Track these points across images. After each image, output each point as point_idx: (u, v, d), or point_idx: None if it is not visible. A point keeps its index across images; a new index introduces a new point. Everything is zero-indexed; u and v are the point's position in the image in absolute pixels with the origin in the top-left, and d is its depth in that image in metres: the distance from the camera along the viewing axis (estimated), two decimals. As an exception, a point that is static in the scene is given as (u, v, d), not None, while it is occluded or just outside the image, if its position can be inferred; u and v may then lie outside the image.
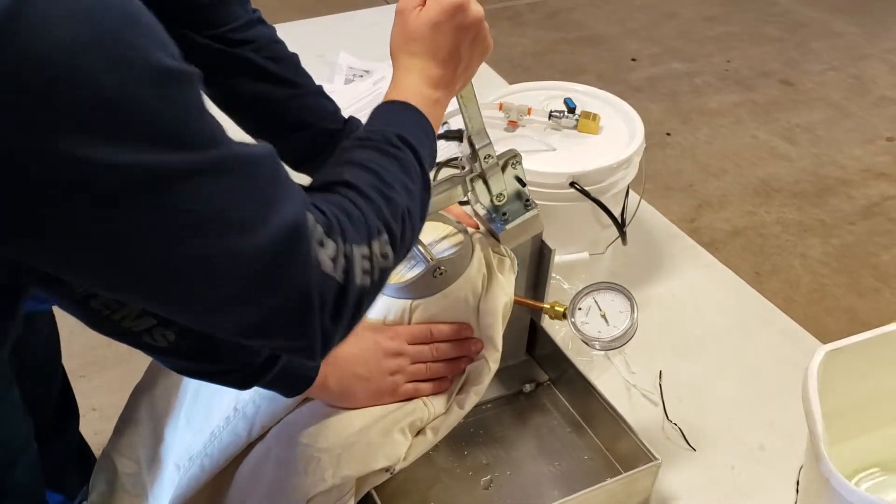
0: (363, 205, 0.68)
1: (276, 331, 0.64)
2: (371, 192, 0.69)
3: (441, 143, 1.52)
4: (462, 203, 0.99)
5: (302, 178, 0.87)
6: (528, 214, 0.99)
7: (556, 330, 1.15)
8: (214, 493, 0.94)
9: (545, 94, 1.33)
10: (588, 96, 1.33)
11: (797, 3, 4.36)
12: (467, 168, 0.96)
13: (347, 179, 0.70)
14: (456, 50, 0.80)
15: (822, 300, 2.54)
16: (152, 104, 0.51)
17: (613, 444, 1.02)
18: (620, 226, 1.21)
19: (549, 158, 1.20)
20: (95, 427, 1.62)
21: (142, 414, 1.03)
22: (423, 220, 0.77)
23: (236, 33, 1.05)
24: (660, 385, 1.13)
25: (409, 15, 0.81)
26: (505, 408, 1.10)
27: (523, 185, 0.98)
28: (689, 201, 2.94)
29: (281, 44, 1.11)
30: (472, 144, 0.92)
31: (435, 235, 0.99)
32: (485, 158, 0.93)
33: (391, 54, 0.83)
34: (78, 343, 1.95)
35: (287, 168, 0.64)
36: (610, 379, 1.15)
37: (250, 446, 0.92)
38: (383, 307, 0.95)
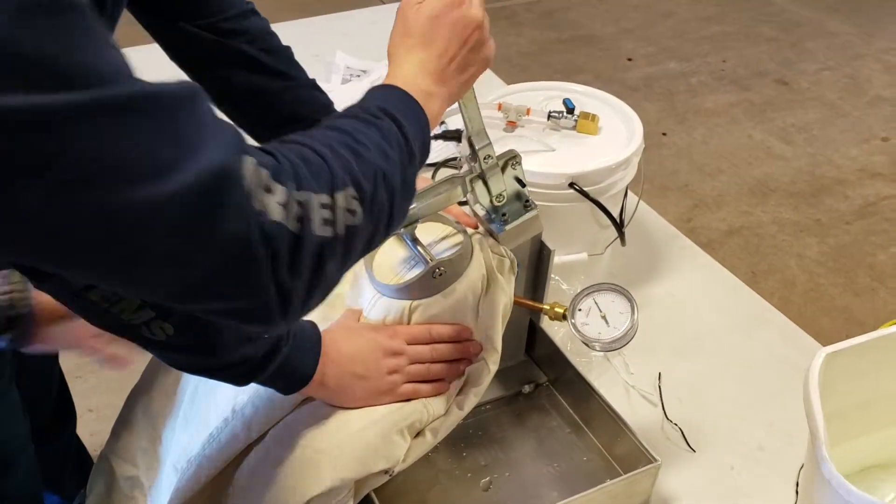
0: (328, 154, 0.64)
1: (221, 290, 0.59)
2: (338, 147, 0.66)
3: (439, 144, 1.52)
4: (461, 203, 0.99)
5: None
6: (527, 215, 0.99)
7: (555, 331, 1.15)
8: (213, 494, 0.93)
9: (544, 95, 1.32)
10: (587, 97, 1.33)
11: (792, 2, 4.37)
12: (466, 168, 0.95)
13: (313, 133, 0.67)
14: (452, 45, 0.79)
15: (819, 300, 2.55)
16: (20, 39, 0.46)
17: (613, 445, 1.02)
18: (619, 226, 1.21)
19: (548, 159, 1.20)
20: (92, 428, 1.61)
21: (138, 416, 1.02)
22: (407, 196, 0.73)
23: (229, 23, 1.05)
24: (659, 386, 1.12)
25: (408, 11, 0.80)
26: (504, 409, 1.10)
27: (523, 185, 0.98)
28: (685, 201, 2.94)
29: (274, 36, 1.11)
30: (471, 145, 0.92)
31: (434, 236, 0.99)
32: (484, 159, 0.93)
33: (388, 54, 0.82)
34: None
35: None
36: (609, 380, 1.14)
37: (249, 448, 0.92)
38: (383, 308, 0.94)
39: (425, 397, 0.93)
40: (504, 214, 0.97)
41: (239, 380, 0.83)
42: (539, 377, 1.13)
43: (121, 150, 0.50)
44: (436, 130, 1.51)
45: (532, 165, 1.12)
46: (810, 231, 2.82)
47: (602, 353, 1.14)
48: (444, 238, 0.98)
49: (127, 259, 0.54)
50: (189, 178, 0.52)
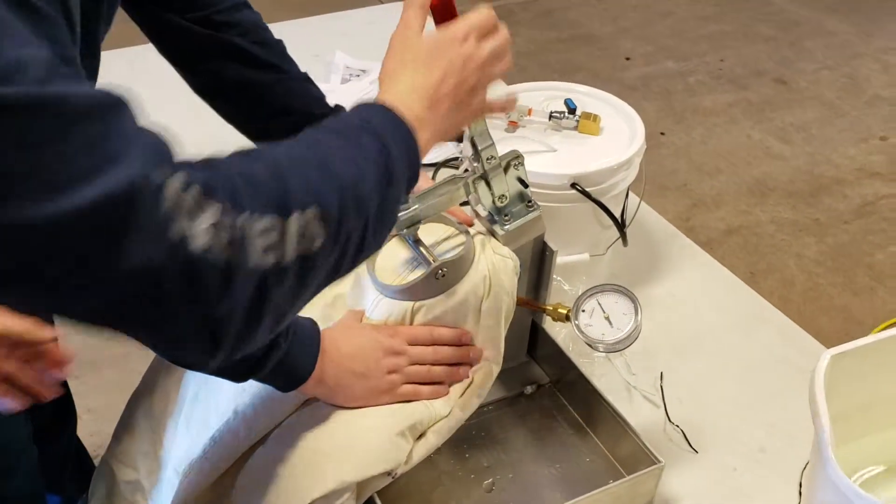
0: (286, 171, 0.57)
1: (132, 322, 0.53)
2: (303, 163, 0.59)
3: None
4: (462, 204, 0.99)
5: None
6: (530, 216, 0.98)
7: (557, 331, 1.14)
8: (215, 497, 0.93)
9: (545, 95, 1.32)
10: (588, 97, 1.32)
11: (790, 2, 4.37)
12: (465, 168, 0.95)
13: (278, 146, 0.60)
14: (450, 78, 0.74)
15: (817, 299, 2.55)
16: None
17: (615, 446, 1.02)
18: (621, 227, 1.21)
19: (549, 159, 1.19)
20: (91, 428, 1.61)
21: (139, 420, 1.02)
22: (384, 223, 0.67)
23: (221, 16, 1.05)
24: (661, 387, 1.12)
25: (408, 37, 0.76)
26: (506, 409, 1.09)
27: (525, 186, 0.97)
28: (683, 201, 2.94)
29: (267, 29, 1.11)
30: (474, 145, 0.92)
31: (437, 237, 0.98)
32: (487, 160, 0.92)
33: (380, 80, 0.76)
34: (72, 343, 1.93)
35: None
36: (610, 380, 1.14)
37: (251, 450, 0.92)
38: (385, 309, 0.94)
39: (424, 399, 0.93)
40: (507, 215, 0.97)
41: (237, 377, 0.83)
42: (541, 378, 1.13)
43: (8, 158, 0.44)
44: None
45: (534, 166, 1.12)
46: (809, 230, 2.82)
47: (604, 354, 1.14)
48: (446, 239, 0.98)
49: (21, 279, 0.49)
50: (91, 195, 0.46)
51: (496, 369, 0.96)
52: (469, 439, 1.04)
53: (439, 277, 0.92)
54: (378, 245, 0.68)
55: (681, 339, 1.23)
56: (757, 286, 1.35)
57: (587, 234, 1.23)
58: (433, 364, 0.94)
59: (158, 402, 1.01)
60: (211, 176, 0.53)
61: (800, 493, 1.00)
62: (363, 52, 1.82)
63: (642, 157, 1.23)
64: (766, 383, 1.17)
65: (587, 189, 1.14)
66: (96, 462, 1.12)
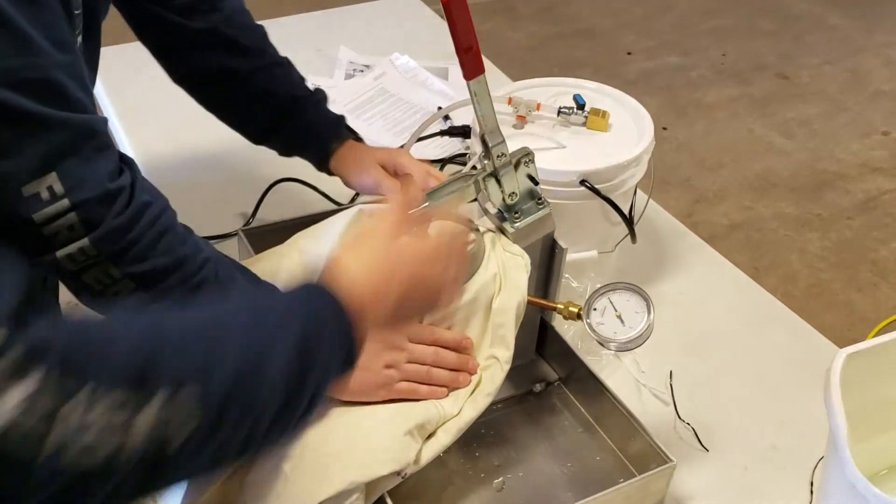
0: (161, 340, 0.49)
1: None
2: (188, 333, 0.52)
3: (445, 140, 1.51)
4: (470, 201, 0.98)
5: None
6: (540, 213, 0.98)
7: (566, 329, 1.14)
8: (223, 498, 0.92)
9: (553, 91, 1.31)
10: (596, 92, 1.31)
11: (792, -4, 4.36)
12: (473, 164, 0.94)
13: (164, 314, 0.53)
14: (411, 299, 0.70)
15: (821, 295, 2.55)
16: None
17: (626, 445, 1.01)
18: (630, 224, 1.20)
19: (558, 156, 1.18)
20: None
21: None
22: (282, 430, 0.59)
23: (205, 4, 1.06)
24: (671, 385, 1.12)
25: (378, 240, 0.70)
26: (515, 408, 1.09)
27: (536, 183, 0.97)
28: (686, 196, 2.93)
29: (248, 13, 1.12)
30: (485, 143, 0.91)
31: (446, 235, 0.97)
32: (498, 157, 0.92)
33: (332, 259, 0.68)
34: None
35: None
36: (620, 378, 1.13)
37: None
38: (395, 308, 0.93)
39: (421, 399, 0.92)
40: (517, 213, 0.96)
41: None
42: (550, 376, 1.12)
43: None
44: (441, 126, 1.50)
45: (543, 163, 1.10)
46: (812, 226, 2.82)
47: (614, 352, 1.13)
48: (456, 236, 0.97)
49: None
50: None
51: (507, 368, 0.96)
52: (479, 438, 1.03)
53: (450, 275, 0.91)
54: (286, 437, 0.62)
55: (690, 337, 1.22)
56: (760, 282, 1.34)
57: (595, 231, 1.22)
58: (433, 366, 0.93)
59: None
60: (46, 337, 0.46)
61: (811, 491, 0.99)
62: (367, 47, 1.81)
63: (651, 153, 1.22)
64: (775, 380, 1.16)
65: (597, 186, 1.14)
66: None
